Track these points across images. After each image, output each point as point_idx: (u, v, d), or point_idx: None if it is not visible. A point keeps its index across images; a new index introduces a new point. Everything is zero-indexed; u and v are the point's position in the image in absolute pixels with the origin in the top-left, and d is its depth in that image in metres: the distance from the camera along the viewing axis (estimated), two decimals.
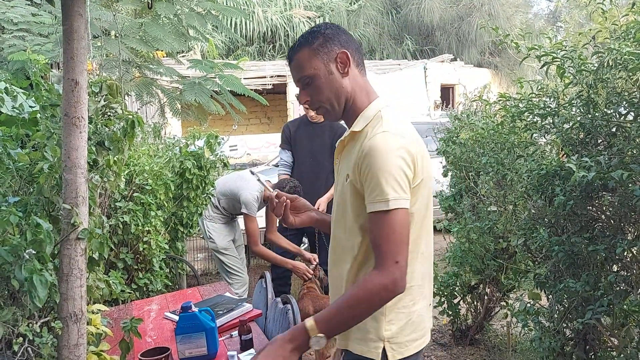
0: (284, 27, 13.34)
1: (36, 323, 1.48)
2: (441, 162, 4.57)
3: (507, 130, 3.25)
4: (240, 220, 3.97)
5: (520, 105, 2.85)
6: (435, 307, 4.07)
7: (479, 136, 3.54)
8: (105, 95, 2.81)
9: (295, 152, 4.16)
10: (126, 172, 3.08)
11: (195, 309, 1.95)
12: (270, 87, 10.65)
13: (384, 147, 1.42)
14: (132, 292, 2.76)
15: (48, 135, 1.89)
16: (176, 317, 2.39)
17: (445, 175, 4.49)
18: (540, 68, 2.53)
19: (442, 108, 10.02)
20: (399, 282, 1.38)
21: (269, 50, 13.44)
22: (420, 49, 14.74)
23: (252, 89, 6.12)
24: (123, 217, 2.87)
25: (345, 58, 1.55)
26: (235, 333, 2.17)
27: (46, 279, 1.32)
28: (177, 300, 2.74)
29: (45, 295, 1.33)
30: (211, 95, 5.31)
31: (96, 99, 2.70)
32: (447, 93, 12.56)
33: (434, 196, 4.47)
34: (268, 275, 2.66)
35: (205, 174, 3.21)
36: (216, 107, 5.31)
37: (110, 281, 2.45)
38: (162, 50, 8.05)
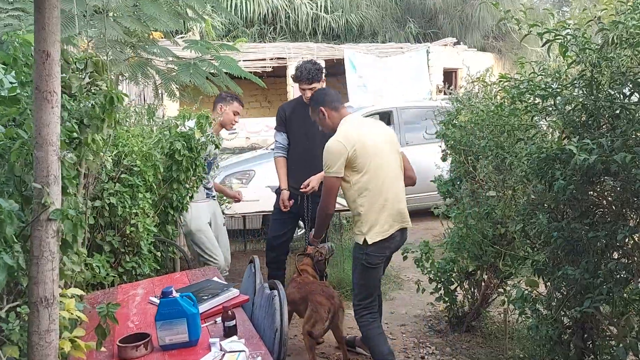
0: (285, 9, 13.16)
1: (1, 309, 1.41)
2: (440, 146, 4.47)
3: (507, 112, 3.14)
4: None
5: (521, 86, 2.74)
6: (431, 293, 4.00)
7: (478, 118, 3.43)
8: (91, 72, 2.72)
9: (290, 133, 4.07)
10: (115, 152, 3.00)
11: (176, 294, 1.87)
12: (270, 69, 10.52)
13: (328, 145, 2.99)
14: (116, 276, 2.68)
15: (21, 110, 1.80)
16: None
17: (444, 159, 4.39)
18: (542, 46, 2.43)
19: (444, 92, 9.90)
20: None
21: (270, 33, 13.27)
22: (423, 32, 14.54)
23: (251, 72, 6.01)
24: (109, 199, 2.79)
25: (323, 111, 3.12)
26: (219, 319, 2.09)
27: (4, 262, 1.24)
28: (164, 285, 2.67)
29: (4, 278, 1.25)
30: (207, 77, 5.20)
31: (80, 75, 2.61)
32: (450, 77, 12.40)
33: (432, 181, 4.38)
34: (257, 260, 2.58)
35: (196, 156, 3.12)
36: (212, 88, 5.20)
37: (94, 264, 2.38)
38: (159, 31, 7.93)
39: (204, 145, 3.13)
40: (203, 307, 2.12)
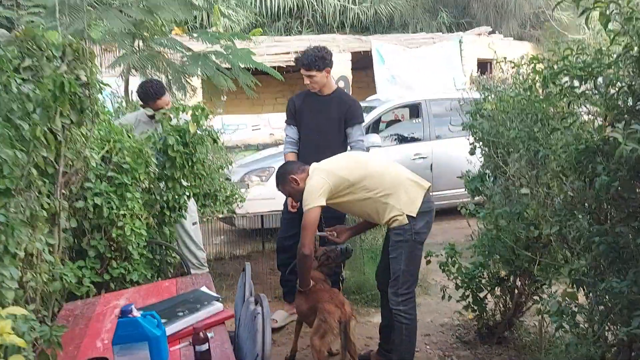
0: (311, 2, 12.82)
1: None
2: (468, 139, 4.09)
3: (540, 98, 2.76)
4: None
5: (555, 66, 2.36)
6: (458, 301, 3.64)
7: (506, 106, 3.05)
8: (71, 60, 2.47)
9: (300, 126, 3.77)
10: (106, 149, 2.75)
11: (137, 313, 1.59)
12: (294, 64, 10.22)
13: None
14: (90, 285, 2.43)
15: None
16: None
17: (472, 153, 4.01)
18: (579, 16, 2.04)
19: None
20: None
21: (297, 26, 12.97)
22: (457, 22, 13.97)
23: (274, 67, 5.74)
24: (94, 200, 2.54)
25: (295, 179, 3.08)
26: None
27: None
28: (151, 294, 2.41)
29: None
30: (220, 70, 4.95)
31: (54, 63, 2.36)
32: (485, 68, 11.85)
33: (460, 177, 4.00)
34: (248, 267, 2.29)
35: (192, 152, 2.85)
36: (227, 81, 4.94)
37: (65, 272, 2.13)
38: (180, 27, 7.71)
39: (200, 140, 2.85)
40: (176, 326, 1.84)
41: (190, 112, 2.81)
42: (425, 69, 10.76)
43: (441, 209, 7.11)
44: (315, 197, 2.96)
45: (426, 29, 13.36)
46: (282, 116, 10.58)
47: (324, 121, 3.71)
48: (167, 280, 2.55)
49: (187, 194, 2.99)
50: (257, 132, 9.47)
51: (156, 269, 3.05)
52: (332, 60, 3.67)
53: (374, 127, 7.70)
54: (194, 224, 3.68)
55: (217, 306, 2.03)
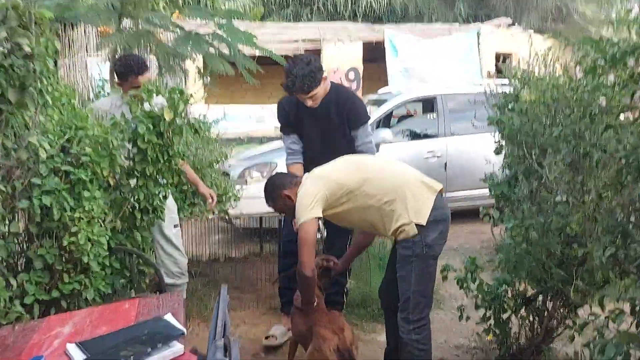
0: None
1: None
2: (493, 136, 3.60)
3: (590, 87, 2.25)
4: None
5: (621, 45, 1.86)
6: (477, 323, 3.15)
7: (548, 98, 2.55)
8: (14, 27, 2.00)
9: (301, 136, 3.30)
10: (67, 137, 2.28)
11: None
12: (302, 52, 9.73)
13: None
14: (22, 310, 1.96)
15: None
16: (78, 355, 1.59)
17: (498, 152, 3.51)
18: None
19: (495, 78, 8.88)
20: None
21: (306, 14, 12.43)
22: (474, 14, 13.36)
23: (282, 55, 5.25)
24: (41, 199, 2.07)
25: (288, 195, 2.68)
26: None
27: None
28: (104, 319, 1.94)
29: None
30: (218, 52, 4.47)
31: None
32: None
33: (483, 180, 3.51)
34: (224, 291, 1.82)
35: (168, 143, 2.37)
36: (224, 66, 4.46)
37: None
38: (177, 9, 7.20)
39: (179, 130, 2.37)
40: None
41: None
42: (440, 61, 10.21)
43: (455, 212, 6.64)
44: (308, 208, 2.51)
45: (442, 20, 12.77)
46: None
47: (326, 128, 3.23)
48: (128, 300, 2.07)
49: (164, 193, 2.51)
50: (261, 124, 8.98)
51: (128, 280, 2.59)
52: (319, 61, 3.17)
53: (385, 122, 7.21)
54: (175, 226, 3.21)
55: (175, 349, 1.56)
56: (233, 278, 4.51)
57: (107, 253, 2.28)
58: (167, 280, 3.19)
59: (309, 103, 3.10)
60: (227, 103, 9.44)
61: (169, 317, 1.79)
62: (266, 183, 2.84)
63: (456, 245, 5.85)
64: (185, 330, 1.70)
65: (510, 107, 3.17)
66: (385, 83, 10.08)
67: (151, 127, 2.29)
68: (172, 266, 3.17)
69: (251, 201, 4.54)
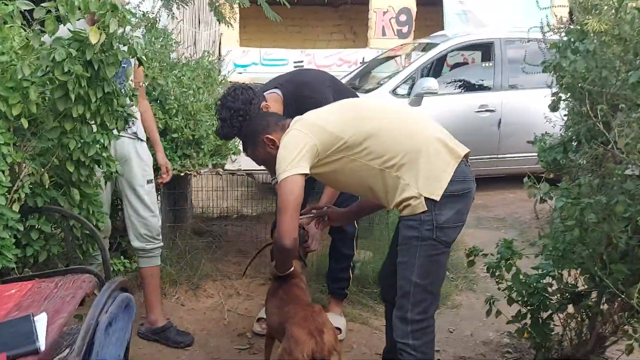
0: None
1: None
2: (550, 86, 2.86)
3: None
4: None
5: None
6: (509, 322, 2.52)
7: (626, 31, 1.81)
8: None
9: None
10: None
11: None
12: None
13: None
14: None
15: None
16: None
17: (554, 108, 2.77)
18: None
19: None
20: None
21: None
22: None
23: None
24: None
25: (271, 139, 2.09)
26: None
27: None
28: None
29: None
30: None
31: None
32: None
33: (531, 142, 2.81)
34: (120, 298, 1.28)
35: (102, 77, 1.82)
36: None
37: None
38: None
39: (114, 57, 1.81)
40: None
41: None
42: (505, 6, 9.06)
43: (507, 175, 5.90)
44: (293, 161, 1.94)
45: None
46: (328, 53, 9.33)
47: None
48: (18, 284, 1.57)
49: (102, 142, 1.97)
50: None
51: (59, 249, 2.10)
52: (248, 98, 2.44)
53: (436, 70, 6.43)
54: (148, 182, 2.70)
55: None
56: (238, 239, 4.02)
57: (18, 215, 1.78)
58: (136, 243, 2.73)
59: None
60: (269, 46, 8.83)
61: (39, 321, 1.27)
62: (246, 124, 2.27)
63: (504, 214, 5.13)
64: (42, 346, 1.17)
65: (573, 47, 2.41)
66: (440, 26, 9.10)
67: (74, 53, 1.73)
68: (141, 227, 2.69)
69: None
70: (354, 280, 3.17)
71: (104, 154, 2.05)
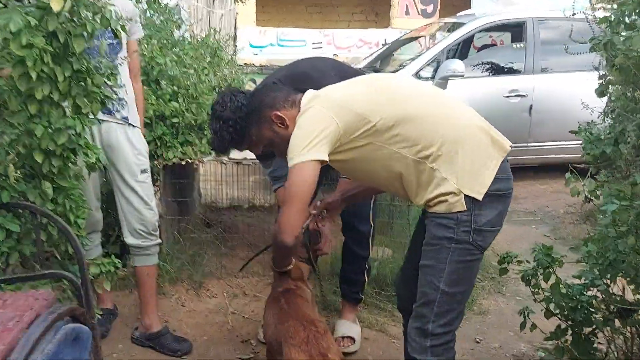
0: None
1: None
2: (597, 68, 2.51)
3: None
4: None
5: None
6: (546, 339, 2.21)
7: None
8: None
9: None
10: None
11: None
12: None
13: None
14: None
15: None
16: None
17: (602, 93, 2.42)
18: None
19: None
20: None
21: None
22: None
23: None
24: None
25: (280, 116, 1.80)
26: None
27: None
28: None
29: None
30: None
31: None
32: None
33: (575, 132, 2.48)
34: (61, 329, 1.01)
35: (71, 49, 1.53)
36: None
37: None
38: None
39: (82, 28, 1.52)
40: None
41: None
42: None
43: (538, 166, 5.54)
44: (310, 145, 1.64)
45: None
46: (349, 33, 8.92)
47: None
48: None
49: (77, 128, 1.70)
50: (317, 50, 7.96)
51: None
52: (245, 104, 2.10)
53: (462, 52, 6.06)
54: (142, 172, 2.44)
55: None
56: (247, 231, 3.74)
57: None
58: (130, 240, 2.47)
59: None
60: (287, 26, 8.47)
61: None
62: (250, 98, 1.98)
63: (534, 207, 4.78)
64: None
65: (628, 21, 2.06)
66: (467, 5, 8.65)
67: (33, 22, 1.45)
68: (135, 222, 2.43)
69: None
70: (371, 281, 2.89)
71: (80, 142, 1.77)
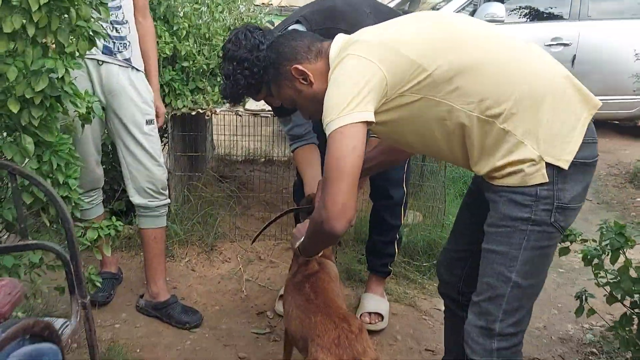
0: None
1: None
2: None
3: None
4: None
5: None
6: (608, 329, 1.92)
7: None
8: None
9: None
10: None
11: None
12: None
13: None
14: None
15: None
16: None
17: None
18: None
19: None
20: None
21: None
22: None
23: None
24: None
25: (302, 71, 1.50)
26: None
27: None
28: None
29: None
30: None
31: None
32: None
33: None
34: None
35: None
36: None
37: None
38: None
39: None
40: None
41: None
42: None
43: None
44: (351, 102, 1.30)
45: None
46: None
47: None
48: None
49: (56, 70, 1.38)
50: None
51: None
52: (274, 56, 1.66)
53: None
54: (148, 122, 2.12)
55: None
56: (263, 188, 3.45)
57: None
58: (136, 199, 2.19)
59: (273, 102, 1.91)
60: None
61: None
62: (270, 51, 1.62)
63: None
64: None
65: None
66: None
67: None
68: (143, 180, 2.14)
69: None
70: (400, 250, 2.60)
71: (65, 88, 1.45)
